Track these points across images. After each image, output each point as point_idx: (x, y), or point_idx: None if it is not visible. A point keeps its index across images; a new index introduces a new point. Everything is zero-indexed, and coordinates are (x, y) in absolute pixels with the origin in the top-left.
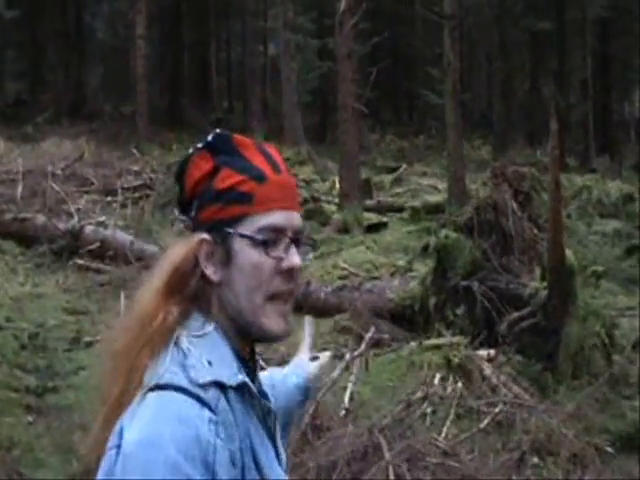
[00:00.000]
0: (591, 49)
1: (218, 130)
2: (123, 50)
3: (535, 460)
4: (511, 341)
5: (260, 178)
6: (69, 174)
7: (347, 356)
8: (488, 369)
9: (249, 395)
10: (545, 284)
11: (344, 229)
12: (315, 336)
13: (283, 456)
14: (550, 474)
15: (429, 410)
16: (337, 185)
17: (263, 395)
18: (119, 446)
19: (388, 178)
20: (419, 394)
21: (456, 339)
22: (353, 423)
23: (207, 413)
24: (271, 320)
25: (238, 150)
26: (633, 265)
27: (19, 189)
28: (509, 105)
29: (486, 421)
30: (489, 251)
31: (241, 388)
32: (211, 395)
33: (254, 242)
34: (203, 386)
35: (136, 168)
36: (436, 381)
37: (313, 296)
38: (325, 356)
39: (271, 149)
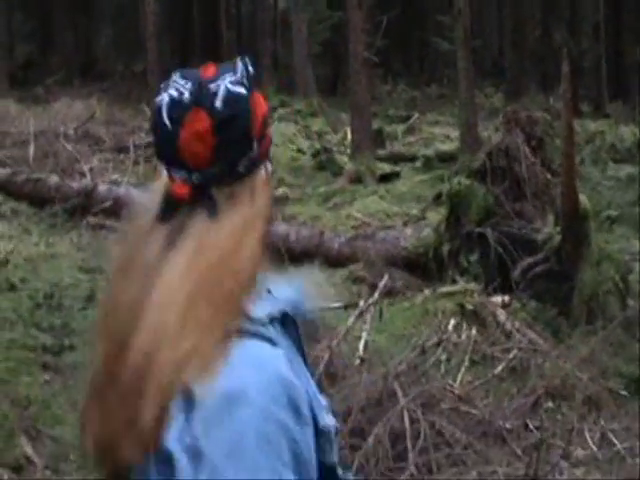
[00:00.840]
0: None
1: (240, 59)
2: (132, 8)
3: (550, 404)
4: (525, 287)
5: None
6: (81, 134)
7: (361, 304)
8: (502, 315)
9: (288, 322)
10: (559, 229)
11: (357, 179)
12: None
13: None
14: (565, 418)
15: (443, 357)
16: (349, 136)
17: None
18: (189, 399)
19: (400, 128)
20: (433, 340)
21: (470, 286)
22: (368, 371)
23: (279, 352)
24: None
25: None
26: None
27: (31, 150)
28: (521, 52)
29: (500, 367)
30: (502, 197)
31: (283, 317)
32: (272, 331)
33: None
34: (263, 323)
35: (147, 125)
36: (450, 327)
37: (326, 246)
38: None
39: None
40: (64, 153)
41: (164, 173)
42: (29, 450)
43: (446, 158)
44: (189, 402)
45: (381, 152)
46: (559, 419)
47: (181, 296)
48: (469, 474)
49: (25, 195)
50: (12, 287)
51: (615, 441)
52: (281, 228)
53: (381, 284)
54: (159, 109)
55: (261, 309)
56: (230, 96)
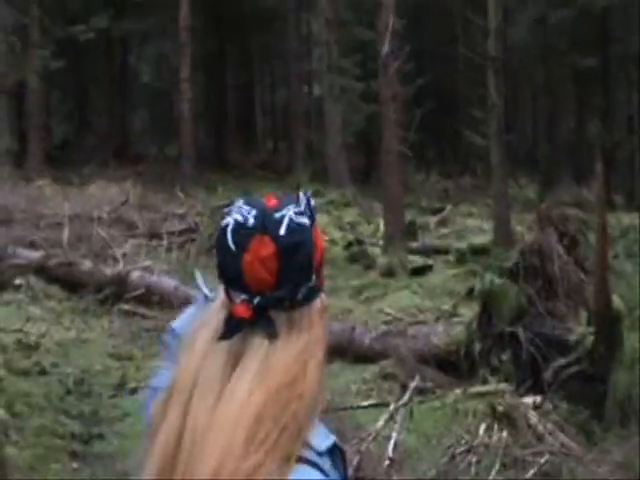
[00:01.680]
0: (636, 84)
1: (303, 194)
2: (168, 93)
3: None
4: (557, 388)
5: None
6: (115, 218)
7: (391, 406)
8: (534, 417)
9: (337, 452)
10: (591, 329)
11: (389, 273)
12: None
13: None
14: None
15: (474, 460)
16: (382, 227)
17: None
18: None
19: (433, 219)
20: (463, 444)
21: (501, 386)
22: (397, 474)
23: None
24: None
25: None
26: None
27: (65, 233)
28: (554, 143)
29: (532, 471)
30: (534, 296)
31: (333, 448)
32: (328, 465)
33: None
34: (320, 453)
35: (181, 211)
36: (481, 431)
37: (357, 341)
38: None
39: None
40: (97, 237)
41: (221, 294)
42: None
43: (479, 251)
44: None
45: (413, 244)
46: None
47: (249, 416)
48: None
49: (58, 279)
50: (43, 372)
51: None
52: None
53: (412, 385)
54: (224, 232)
55: (320, 439)
56: (294, 225)
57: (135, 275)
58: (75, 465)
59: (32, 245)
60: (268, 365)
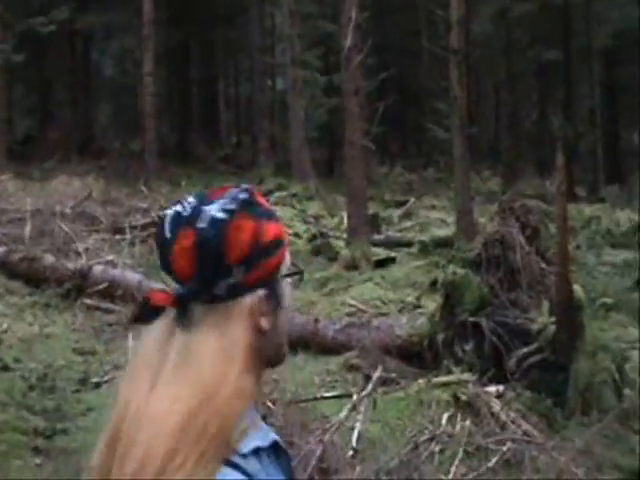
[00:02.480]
0: (598, 78)
1: (237, 187)
2: (131, 87)
3: None
4: (520, 377)
5: (278, 219)
6: (77, 213)
7: (355, 397)
8: (497, 406)
9: (280, 451)
10: (553, 319)
11: (352, 265)
12: None
13: None
14: None
15: (437, 449)
16: (345, 221)
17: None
18: None
19: (396, 212)
20: (427, 433)
21: (464, 376)
22: (360, 465)
23: None
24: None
25: (259, 200)
26: None
27: (27, 228)
28: (517, 136)
29: (495, 459)
30: (497, 286)
31: (273, 447)
32: (252, 466)
33: (287, 278)
34: (246, 456)
35: (144, 205)
36: (444, 420)
37: (321, 333)
38: None
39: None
40: (60, 232)
41: None
42: None
43: (442, 243)
44: None
45: (377, 237)
46: None
47: (168, 428)
48: None
49: (20, 274)
50: (5, 367)
51: None
52: None
53: (375, 375)
54: (163, 221)
55: (249, 441)
56: (211, 220)
57: (98, 269)
58: (38, 461)
59: None
60: (187, 359)
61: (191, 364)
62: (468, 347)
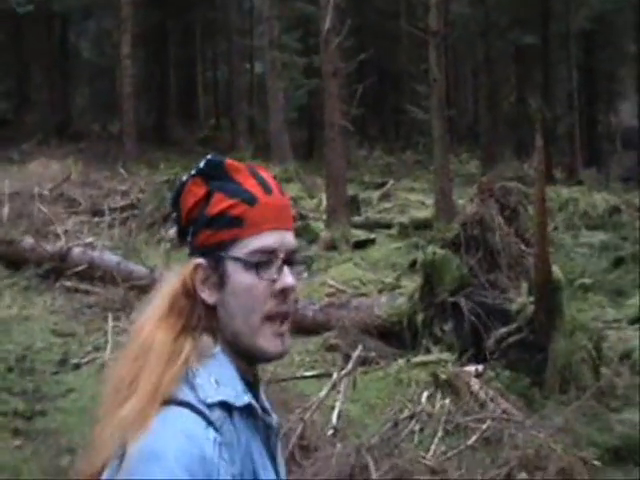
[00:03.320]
0: (576, 61)
1: (210, 156)
2: (109, 70)
3: (523, 475)
4: (499, 356)
5: (251, 201)
6: (56, 195)
7: (334, 375)
8: (476, 385)
9: (253, 416)
10: (532, 299)
11: (332, 246)
12: None
13: (282, 474)
14: None
15: (417, 428)
16: (324, 202)
17: (265, 411)
18: (122, 455)
19: (376, 194)
20: (407, 412)
21: (444, 355)
22: (341, 442)
23: (212, 433)
24: (268, 341)
25: (230, 174)
26: (620, 277)
27: (5, 211)
28: (495, 118)
29: (474, 437)
30: (476, 267)
31: (246, 409)
32: (217, 416)
33: (246, 265)
34: (210, 406)
35: (123, 188)
36: (424, 399)
37: (300, 314)
38: None
39: (263, 172)
40: (39, 215)
41: None
42: None
43: (421, 225)
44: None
45: (356, 219)
46: None
47: (131, 356)
48: None
49: None
50: None
51: None
52: None
53: (355, 354)
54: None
55: (215, 392)
56: (183, 179)
57: (77, 251)
58: (18, 442)
59: None
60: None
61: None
62: (447, 327)
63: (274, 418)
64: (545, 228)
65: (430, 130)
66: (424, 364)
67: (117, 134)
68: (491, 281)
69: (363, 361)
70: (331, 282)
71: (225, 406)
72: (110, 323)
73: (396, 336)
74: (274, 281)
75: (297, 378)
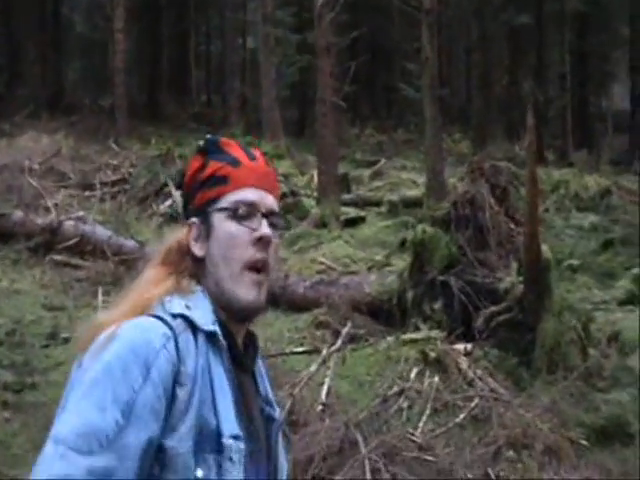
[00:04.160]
0: (569, 43)
1: (208, 135)
2: (102, 44)
3: (510, 454)
4: (487, 335)
5: (235, 163)
6: (47, 169)
7: (324, 351)
8: (465, 363)
9: (218, 347)
10: (521, 279)
11: (322, 223)
12: None
13: (282, 469)
14: (525, 468)
15: (405, 405)
16: (315, 179)
17: (268, 402)
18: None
19: (367, 172)
20: (395, 389)
21: (433, 333)
22: (330, 418)
23: (165, 329)
24: (246, 288)
25: (222, 147)
26: (609, 259)
27: None
28: (488, 99)
29: (462, 415)
30: (466, 245)
31: (212, 336)
32: (177, 323)
33: (229, 214)
34: (173, 315)
35: (115, 162)
36: (412, 375)
37: (291, 290)
38: None
39: (253, 148)
40: (29, 188)
41: None
42: None
43: (411, 204)
44: None
45: (347, 196)
46: (519, 468)
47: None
48: None
49: None
50: None
51: None
52: None
53: (344, 331)
54: None
55: (181, 309)
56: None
57: (68, 225)
58: (7, 415)
59: None
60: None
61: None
62: (437, 305)
63: (277, 411)
64: (536, 206)
65: (422, 109)
66: (413, 342)
67: (109, 109)
68: (481, 260)
69: (352, 338)
70: (321, 259)
71: (188, 321)
72: (100, 297)
73: (385, 314)
74: (254, 230)
75: (286, 354)
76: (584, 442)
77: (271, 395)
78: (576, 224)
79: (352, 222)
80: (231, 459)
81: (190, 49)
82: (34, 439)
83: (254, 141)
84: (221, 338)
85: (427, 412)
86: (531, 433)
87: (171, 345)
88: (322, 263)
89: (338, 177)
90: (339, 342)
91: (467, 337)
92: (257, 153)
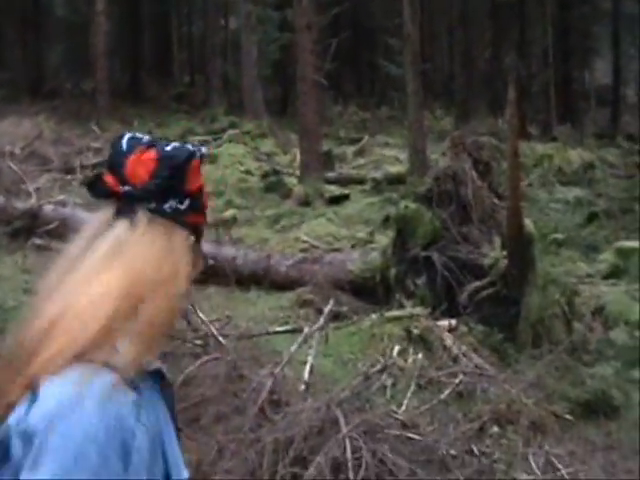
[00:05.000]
0: (551, 18)
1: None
2: (83, 26)
3: (495, 429)
4: (472, 311)
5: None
6: (28, 153)
7: (306, 329)
8: (449, 339)
9: (162, 382)
10: (505, 253)
11: (305, 202)
12: None
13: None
14: (510, 443)
15: (389, 382)
16: (298, 157)
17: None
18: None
19: (350, 150)
20: (378, 366)
21: (417, 310)
22: (312, 397)
23: (132, 394)
24: None
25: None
26: (593, 232)
27: None
28: (471, 75)
29: (447, 392)
30: (449, 221)
31: (156, 374)
32: (137, 379)
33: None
34: (137, 371)
35: (96, 145)
36: (395, 352)
37: (273, 269)
38: None
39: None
40: (9, 173)
41: None
42: None
43: (395, 181)
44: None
45: (330, 174)
46: (504, 444)
47: (102, 311)
48: None
49: None
50: None
51: (559, 466)
52: (228, 251)
53: (326, 309)
54: (121, 137)
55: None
56: (178, 147)
57: (48, 209)
58: None
59: None
60: (121, 249)
61: (124, 254)
62: (420, 281)
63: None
64: (518, 180)
65: (404, 85)
66: (397, 319)
67: (90, 92)
68: (464, 235)
69: (336, 316)
70: (304, 238)
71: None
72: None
73: (369, 291)
74: None
75: (269, 334)
76: (569, 416)
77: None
78: (560, 198)
79: (336, 200)
80: None
81: (172, 30)
82: None
83: (237, 121)
84: (165, 372)
85: (411, 389)
86: (516, 408)
87: (143, 413)
88: (305, 241)
89: (321, 155)
90: (321, 320)
91: (451, 313)
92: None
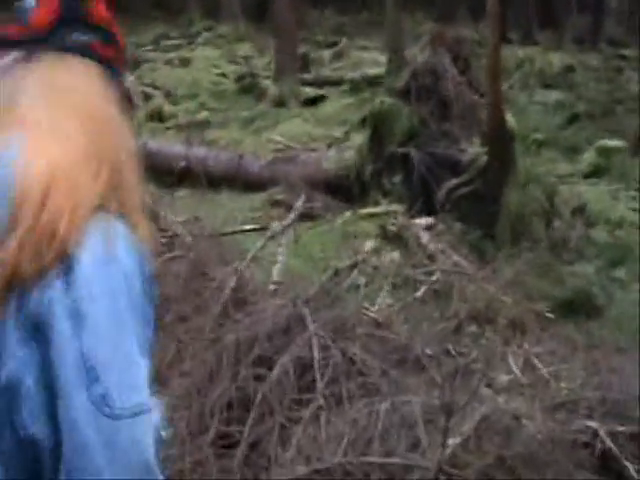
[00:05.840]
0: None
1: None
2: None
3: (473, 328)
4: (450, 208)
5: None
6: None
7: (274, 225)
8: (425, 237)
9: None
10: (485, 150)
11: (280, 103)
12: None
13: None
14: (488, 343)
15: (362, 281)
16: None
17: None
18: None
19: (328, 53)
20: (348, 262)
21: (392, 207)
22: (279, 296)
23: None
24: None
25: None
26: (574, 133)
27: None
28: None
29: (422, 290)
30: (427, 117)
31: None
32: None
33: None
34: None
35: None
36: (370, 250)
37: (245, 170)
38: None
39: None
40: None
41: None
42: None
43: (373, 82)
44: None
45: (306, 76)
46: (482, 344)
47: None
48: (381, 404)
49: None
50: None
51: (539, 365)
52: (200, 152)
53: (296, 204)
54: None
55: None
56: None
57: None
58: None
59: None
60: (52, 87)
61: (67, 96)
62: (397, 179)
63: None
64: (498, 75)
65: None
66: (372, 216)
67: None
68: (443, 131)
69: (309, 216)
70: (278, 138)
71: None
72: None
73: (344, 191)
74: None
75: (235, 232)
76: (549, 315)
77: None
78: (541, 100)
79: (312, 101)
80: None
81: None
82: None
83: (213, 24)
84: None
85: (386, 288)
86: (494, 307)
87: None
88: (279, 142)
89: (297, 57)
90: (291, 217)
91: (429, 211)
92: None
